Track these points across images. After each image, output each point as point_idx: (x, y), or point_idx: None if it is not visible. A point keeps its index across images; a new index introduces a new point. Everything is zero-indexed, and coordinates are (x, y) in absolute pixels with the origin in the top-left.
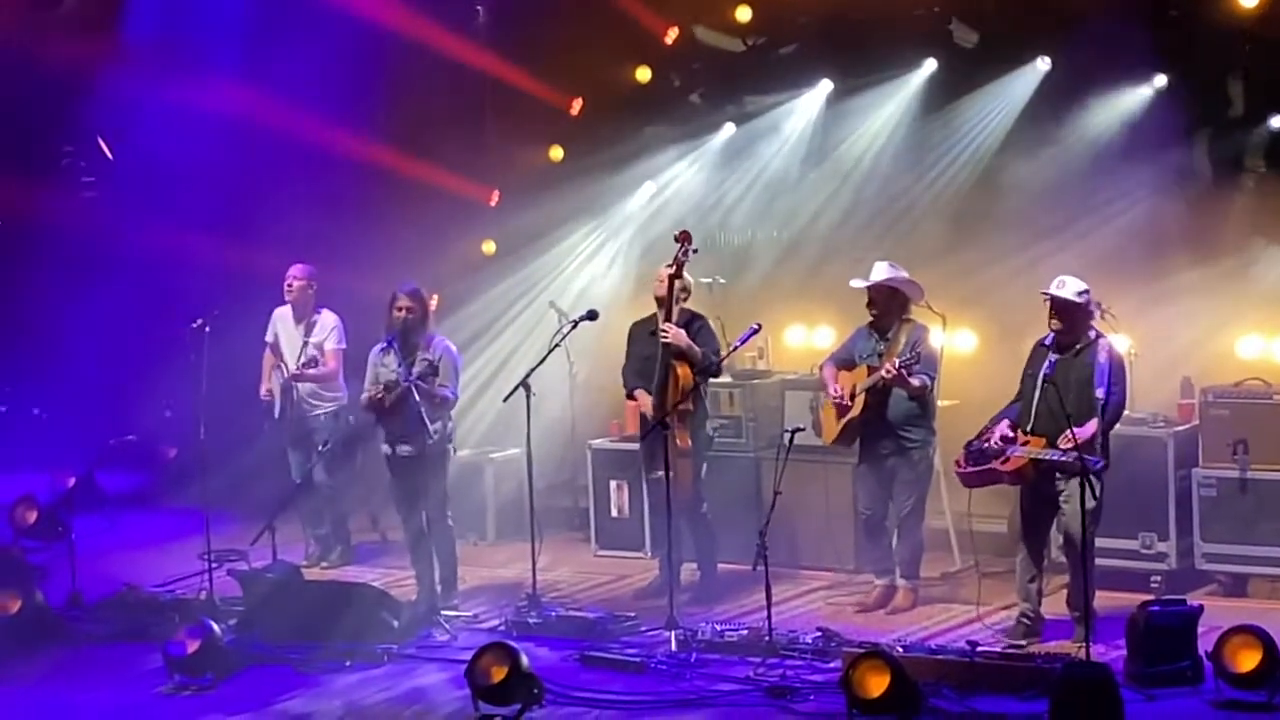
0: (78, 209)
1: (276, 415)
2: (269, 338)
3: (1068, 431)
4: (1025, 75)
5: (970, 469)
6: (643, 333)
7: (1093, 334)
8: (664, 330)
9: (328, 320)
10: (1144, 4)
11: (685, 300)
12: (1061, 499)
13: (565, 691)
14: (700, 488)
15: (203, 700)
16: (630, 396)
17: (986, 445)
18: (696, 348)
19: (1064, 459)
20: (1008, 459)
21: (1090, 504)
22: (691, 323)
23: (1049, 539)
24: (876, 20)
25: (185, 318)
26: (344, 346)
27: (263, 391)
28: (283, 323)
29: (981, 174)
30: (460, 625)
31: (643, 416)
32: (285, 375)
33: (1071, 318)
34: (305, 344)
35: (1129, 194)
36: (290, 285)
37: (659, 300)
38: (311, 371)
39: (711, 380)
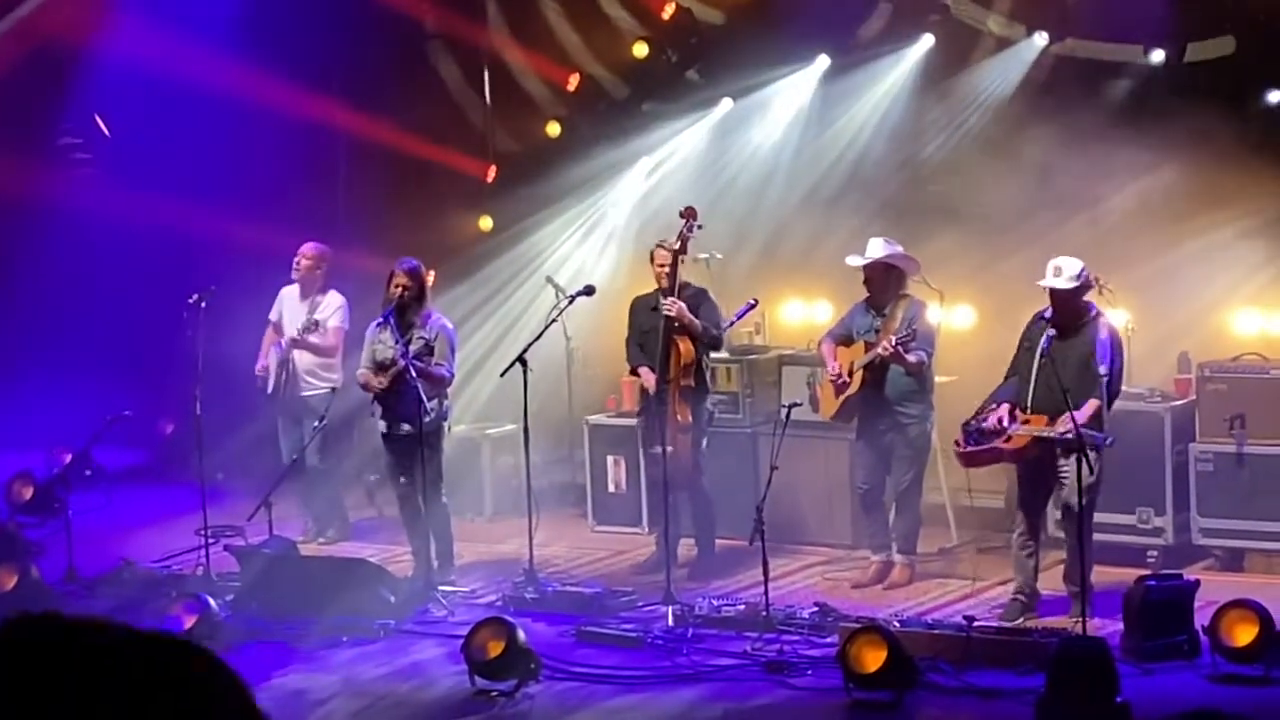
0: (73, 186)
1: (270, 390)
2: (273, 316)
3: (1068, 414)
4: (1025, 49)
5: (970, 448)
6: (644, 307)
7: (1091, 310)
8: (666, 304)
9: (334, 299)
10: None
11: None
12: (1062, 475)
13: (562, 666)
14: (700, 463)
15: None
16: (634, 372)
17: (986, 425)
18: (698, 321)
19: (1067, 436)
20: (1010, 437)
21: (1089, 479)
22: (694, 297)
23: (1045, 515)
24: None
25: (182, 294)
26: (346, 328)
27: (258, 367)
28: (288, 300)
29: (979, 149)
30: (457, 600)
31: (643, 391)
32: (284, 346)
33: (1071, 300)
34: (308, 317)
35: (1127, 169)
36: (299, 264)
37: (661, 282)
38: (312, 339)
39: (710, 355)
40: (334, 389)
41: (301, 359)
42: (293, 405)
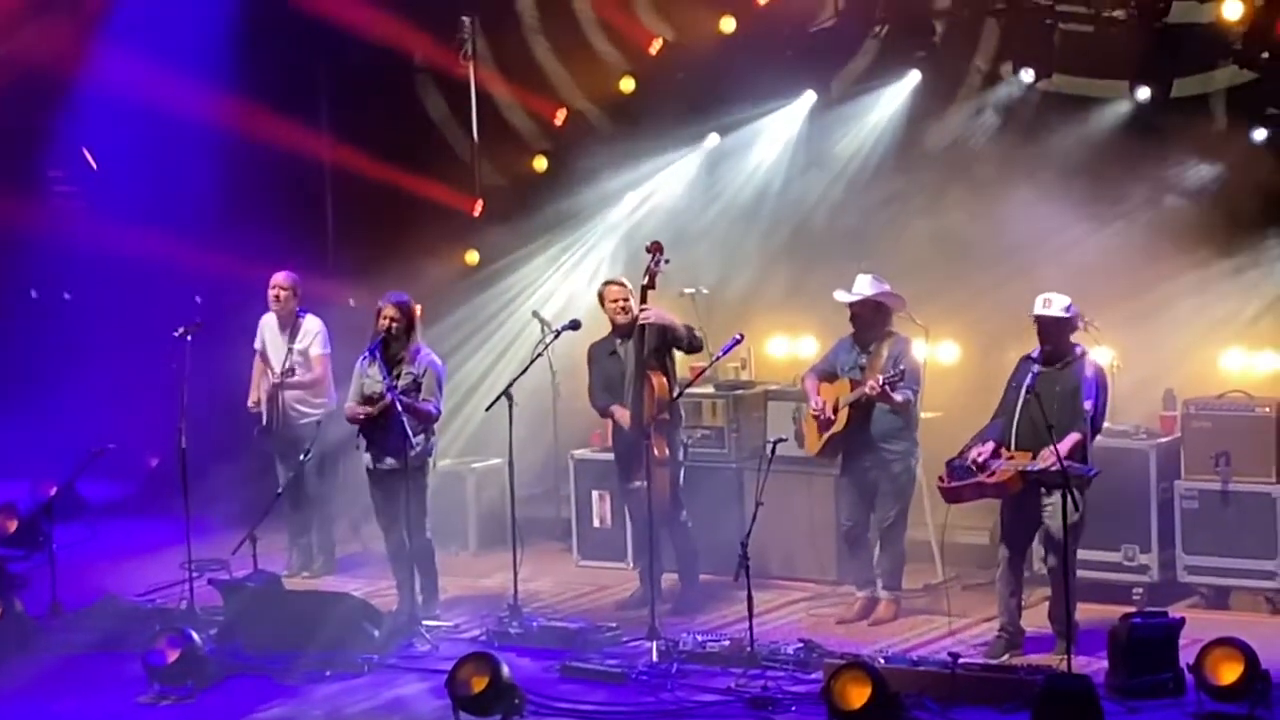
0: (60, 219)
1: (264, 423)
2: (257, 345)
3: (1051, 447)
4: (1008, 87)
5: (955, 483)
6: (602, 353)
7: (1077, 349)
8: (643, 311)
9: (312, 326)
10: (1129, 16)
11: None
12: (1045, 513)
13: (546, 702)
14: (679, 496)
15: (183, 710)
16: (605, 414)
17: (970, 462)
18: (679, 323)
19: (1052, 469)
20: (994, 472)
21: (1073, 517)
22: (658, 322)
23: (1029, 552)
24: (859, 32)
25: (167, 327)
26: (329, 351)
27: (251, 401)
28: (269, 329)
29: (965, 185)
30: (441, 635)
31: (617, 429)
32: (272, 384)
33: (1059, 335)
34: (290, 350)
35: (1112, 206)
36: (278, 296)
37: (618, 319)
38: (295, 379)
39: (693, 390)
40: (318, 422)
41: (290, 392)
42: (286, 437)
